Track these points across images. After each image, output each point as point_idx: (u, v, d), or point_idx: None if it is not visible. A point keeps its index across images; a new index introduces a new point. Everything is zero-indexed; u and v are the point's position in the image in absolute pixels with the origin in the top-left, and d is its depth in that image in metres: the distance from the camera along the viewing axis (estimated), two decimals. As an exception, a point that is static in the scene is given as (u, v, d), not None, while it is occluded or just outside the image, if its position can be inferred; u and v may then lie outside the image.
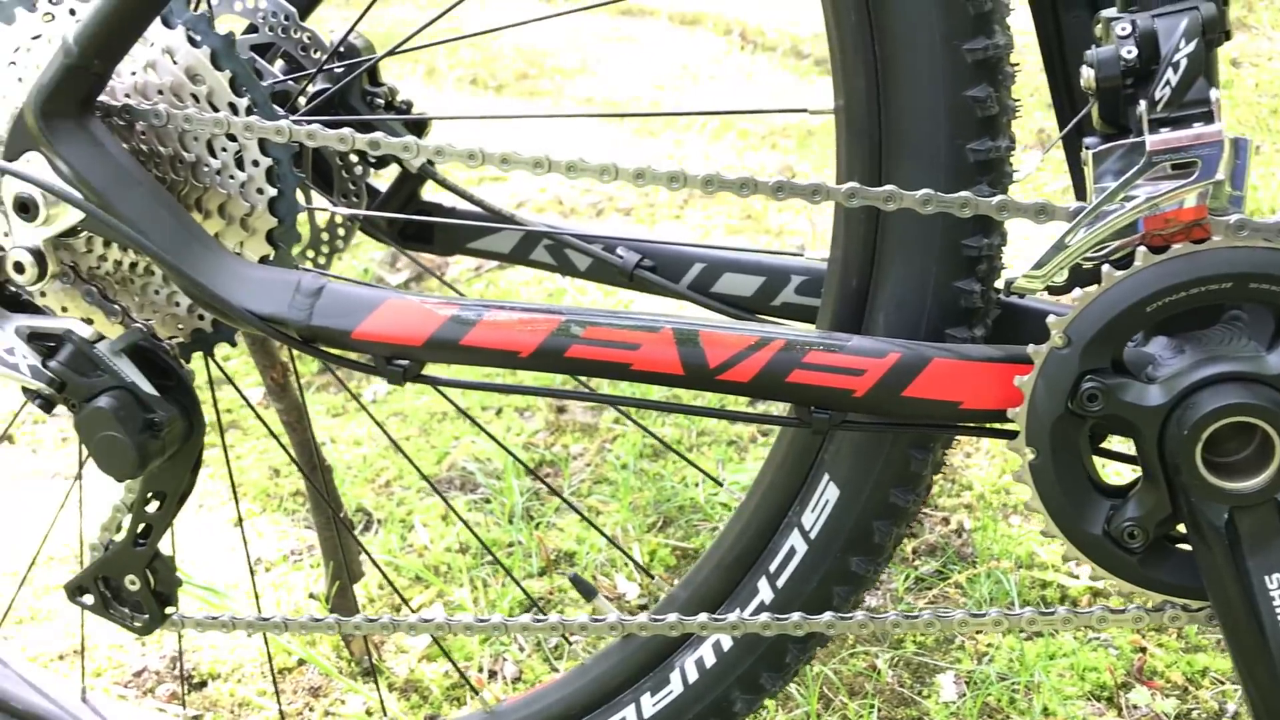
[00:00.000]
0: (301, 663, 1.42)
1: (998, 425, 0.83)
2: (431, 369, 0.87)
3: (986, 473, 1.75)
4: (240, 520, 1.23)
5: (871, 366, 0.82)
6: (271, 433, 1.14)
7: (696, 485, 1.73)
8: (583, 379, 1.52)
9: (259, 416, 1.15)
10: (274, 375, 1.23)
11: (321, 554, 1.40)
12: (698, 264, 1.02)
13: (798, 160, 2.99)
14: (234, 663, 1.43)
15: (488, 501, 1.72)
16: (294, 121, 0.86)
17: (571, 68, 3.88)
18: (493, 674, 1.42)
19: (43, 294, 0.95)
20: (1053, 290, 0.84)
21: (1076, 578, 1.54)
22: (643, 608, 1.53)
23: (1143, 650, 1.40)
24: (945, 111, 0.81)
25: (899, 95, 0.82)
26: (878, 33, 0.81)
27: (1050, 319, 0.78)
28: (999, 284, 0.89)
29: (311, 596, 1.48)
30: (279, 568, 1.59)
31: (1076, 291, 0.79)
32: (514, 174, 2.67)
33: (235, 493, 1.24)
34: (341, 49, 1.02)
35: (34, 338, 0.89)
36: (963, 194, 0.79)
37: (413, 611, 1.45)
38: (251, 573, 1.27)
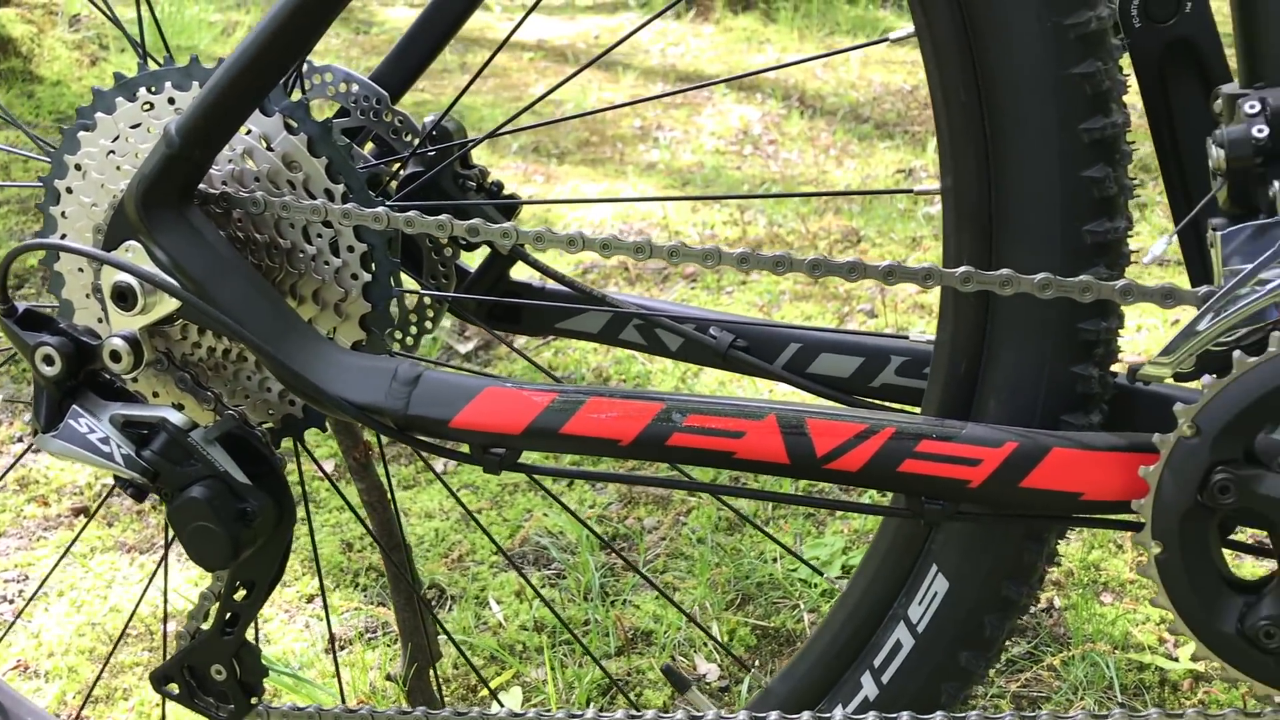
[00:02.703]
0: (378, 746, 1.39)
1: (1121, 517, 0.80)
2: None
3: (1075, 548, 1.70)
4: (327, 610, 1.20)
5: (988, 456, 0.79)
6: (352, 509, 1.13)
7: (775, 560, 1.69)
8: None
9: (342, 496, 1.14)
10: (356, 455, 1.22)
11: (399, 634, 1.38)
12: (793, 344, 1.00)
13: (862, 225, 2.97)
14: (309, 745, 1.41)
15: (562, 577, 1.69)
16: (390, 207, 0.85)
17: (632, 134, 3.90)
18: (572, 760, 1.38)
19: (134, 379, 0.95)
20: (1179, 377, 0.81)
21: (1175, 660, 1.48)
22: (724, 690, 1.49)
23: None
24: (1061, 192, 0.79)
25: (1012, 176, 0.79)
26: (989, 112, 0.79)
27: (1178, 407, 0.75)
28: (1118, 369, 0.85)
29: (389, 678, 1.46)
30: (354, 646, 1.56)
31: (1206, 378, 0.75)
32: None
33: (320, 575, 1.23)
34: (434, 132, 1.01)
35: (128, 425, 0.88)
36: (1084, 278, 0.76)
37: (492, 692, 1.42)
38: (337, 667, 1.25)
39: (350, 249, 0.90)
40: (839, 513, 1.81)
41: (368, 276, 0.90)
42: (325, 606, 1.17)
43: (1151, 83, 0.90)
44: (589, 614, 1.61)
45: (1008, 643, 1.52)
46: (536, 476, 1.11)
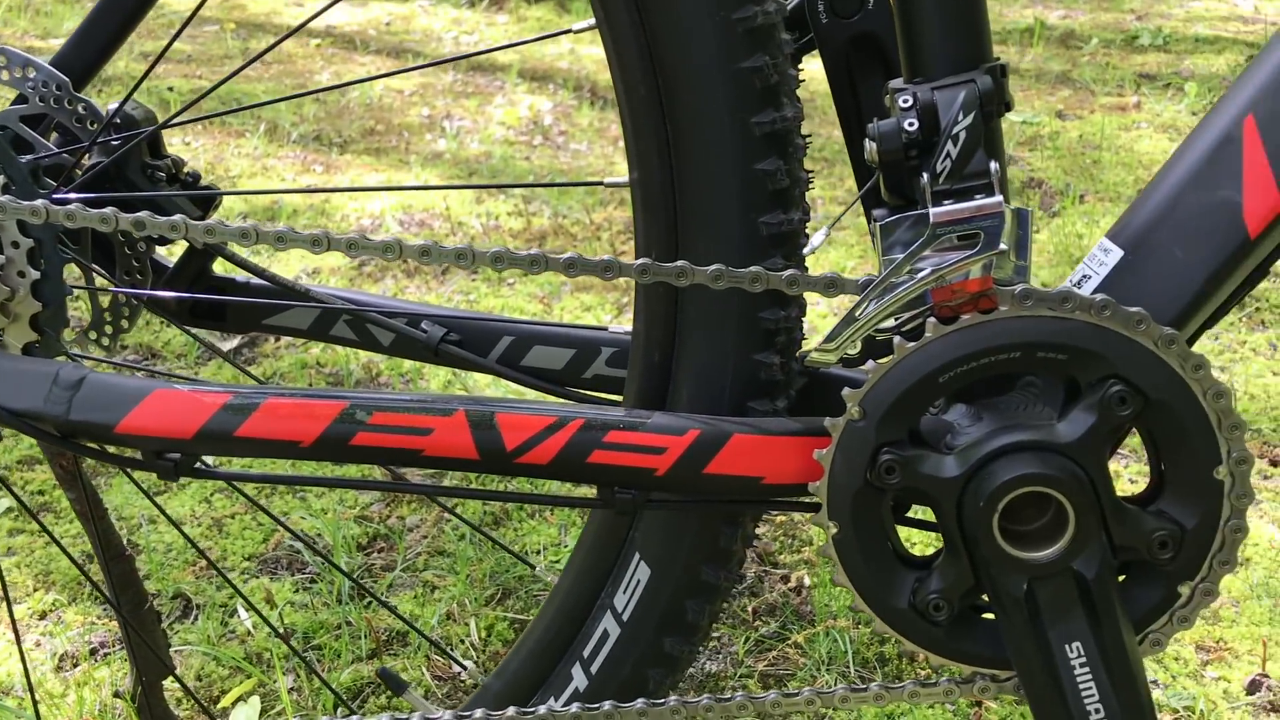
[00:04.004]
0: (106, 768, 1.32)
1: (801, 499, 0.82)
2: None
3: (827, 528, 1.75)
4: (15, 627, 1.14)
5: (672, 444, 0.80)
6: (46, 531, 1.06)
7: (539, 552, 1.69)
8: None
9: (33, 516, 1.07)
10: (62, 463, 1.15)
11: (126, 649, 1.31)
12: (506, 337, 0.99)
13: (645, 215, 2.99)
14: (32, 772, 1.33)
15: (315, 581, 1.65)
16: (54, 201, 0.80)
17: (420, 124, 3.83)
18: (317, 767, 1.34)
19: None
20: (849, 362, 0.84)
21: (915, 633, 1.54)
22: (475, 687, 1.48)
23: (979, 704, 1.41)
24: (736, 185, 0.80)
25: (690, 170, 0.80)
26: (667, 107, 0.79)
27: (845, 392, 0.77)
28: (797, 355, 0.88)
29: (116, 696, 1.39)
30: (86, 663, 1.48)
31: (870, 363, 0.78)
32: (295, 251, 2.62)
33: (5, 588, 1.15)
34: (117, 120, 0.96)
35: None
36: (753, 269, 0.77)
37: (210, 713, 1.37)
38: (31, 690, 1.18)
39: (15, 245, 0.84)
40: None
41: (36, 274, 0.85)
42: (13, 622, 1.11)
43: (839, 76, 0.93)
44: (343, 617, 1.57)
45: (757, 623, 1.56)
46: (231, 482, 1.07)
